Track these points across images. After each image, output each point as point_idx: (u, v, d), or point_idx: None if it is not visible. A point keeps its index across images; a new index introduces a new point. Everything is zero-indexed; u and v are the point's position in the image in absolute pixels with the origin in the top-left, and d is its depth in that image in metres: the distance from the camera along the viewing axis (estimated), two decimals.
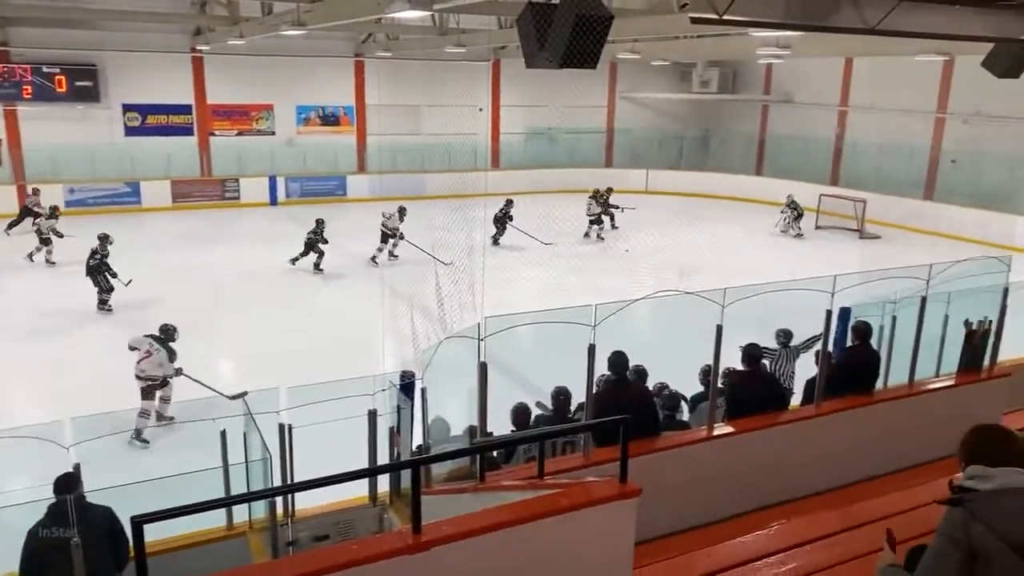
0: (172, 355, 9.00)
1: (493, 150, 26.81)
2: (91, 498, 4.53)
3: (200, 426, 5.06)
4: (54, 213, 16.69)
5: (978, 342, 7.50)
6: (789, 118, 26.72)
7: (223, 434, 5.25)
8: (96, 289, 13.06)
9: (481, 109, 25.63)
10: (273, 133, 24.30)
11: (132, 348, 8.96)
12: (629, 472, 3.93)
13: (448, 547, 3.46)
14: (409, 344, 9.30)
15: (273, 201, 23.45)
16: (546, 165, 26.60)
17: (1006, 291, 7.54)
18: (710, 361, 6.31)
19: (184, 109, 23.01)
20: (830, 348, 6.98)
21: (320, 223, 16.01)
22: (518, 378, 7.82)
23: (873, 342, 7.13)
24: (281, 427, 5.27)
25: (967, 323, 7.53)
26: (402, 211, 16.94)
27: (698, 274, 14.06)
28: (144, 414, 8.71)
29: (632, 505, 3.88)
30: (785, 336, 8.41)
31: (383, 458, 5.81)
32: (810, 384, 7.06)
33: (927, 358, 7.42)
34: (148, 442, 8.58)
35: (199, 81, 23.03)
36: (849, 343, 7.16)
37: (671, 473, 5.89)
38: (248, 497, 5.04)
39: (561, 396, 6.50)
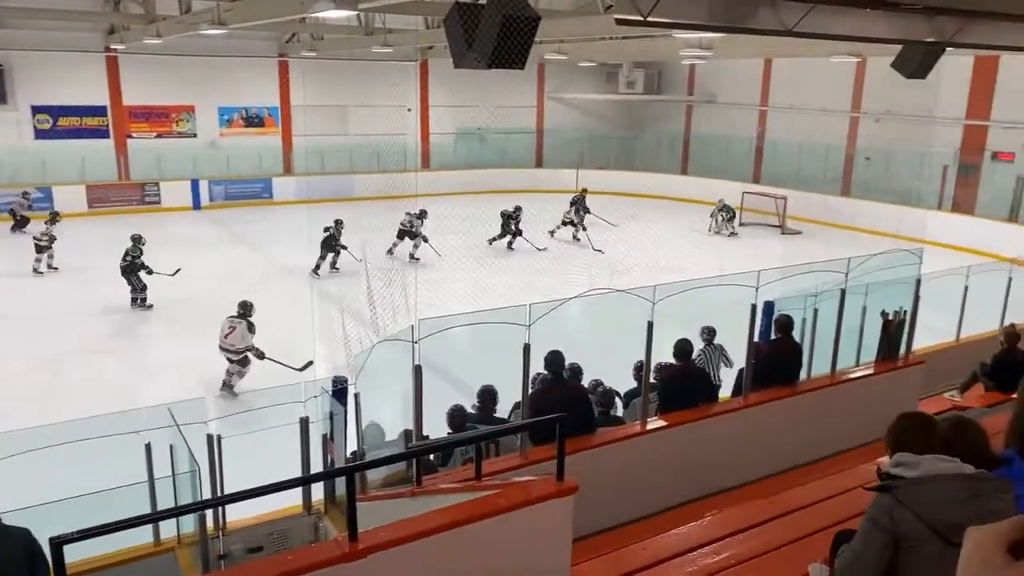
0: (251, 328, 10.11)
1: (423, 150, 26.66)
2: (8, 520, 4.31)
3: (125, 440, 4.86)
4: (55, 219, 16.39)
5: (894, 332, 7.84)
6: (712, 118, 27.41)
7: (148, 447, 5.06)
8: (129, 288, 13.45)
9: (410, 109, 25.45)
10: (195, 135, 23.58)
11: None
12: (566, 469, 3.96)
13: (386, 553, 3.42)
14: (341, 349, 9.17)
15: (196, 205, 22.77)
16: (477, 165, 26.59)
17: (918, 282, 7.90)
18: (643, 357, 6.42)
19: (99, 111, 22.11)
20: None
21: (339, 223, 15.84)
22: (454, 380, 7.79)
23: (795, 334, 7.37)
24: (209, 438, 5.11)
25: (884, 314, 7.86)
26: (423, 214, 16.92)
27: (629, 272, 14.27)
28: (232, 374, 9.87)
29: (569, 502, 3.91)
30: (709, 333, 8.60)
31: (317, 466, 5.71)
32: (738, 377, 7.25)
33: (847, 348, 7.71)
34: (237, 394, 9.53)
35: (114, 82, 22.17)
36: (773, 336, 7.38)
37: (607, 469, 5.96)
38: (175, 512, 4.87)
39: (487, 395, 6.50)
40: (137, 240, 13.74)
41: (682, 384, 6.80)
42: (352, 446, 5.61)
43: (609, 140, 28.88)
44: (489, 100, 24.19)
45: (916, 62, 8.00)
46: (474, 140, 27.40)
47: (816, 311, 7.43)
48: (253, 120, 24.53)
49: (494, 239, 18.05)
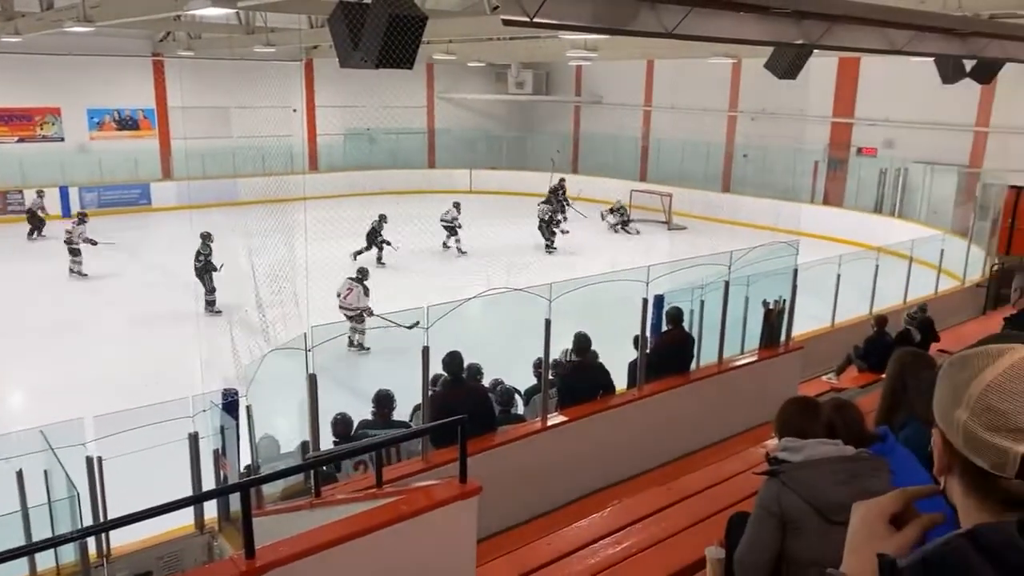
0: (367, 291, 11.37)
1: (310, 152, 26.01)
2: None
3: None
4: (83, 219, 15.70)
5: (775, 320, 8.26)
6: (600, 118, 28.05)
7: (19, 474, 4.71)
8: (203, 290, 13.23)
9: (295, 110, 24.77)
10: (62, 139, 22.15)
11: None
12: (469, 471, 3.95)
13: (285, 569, 3.31)
14: (230, 360, 8.83)
15: (66, 213, 21.35)
16: (367, 167, 26.18)
17: (796, 272, 8.34)
18: (541, 354, 6.49)
19: None
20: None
21: (383, 218, 16.35)
22: (352, 387, 7.63)
23: (685, 326, 7.63)
24: (89, 460, 4.81)
25: (765, 303, 8.27)
26: (457, 205, 18.44)
27: (525, 270, 14.40)
28: (355, 331, 10.93)
29: (473, 504, 3.89)
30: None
31: (209, 483, 5.47)
32: (632, 368, 7.44)
33: (733, 337, 8.06)
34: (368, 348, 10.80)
35: None
36: (664, 328, 7.62)
37: (510, 467, 5.99)
38: (52, 542, 4.54)
39: (383, 400, 6.40)
40: (206, 238, 13.36)
41: (581, 378, 6.92)
42: (246, 460, 5.41)
43: (500, 140, 29.06)
44: (378, 100, 23.84)
45: (787, 63, 8.43)
46: (364, 141, 26.96)
47: (703, 303, 7.72)
48: (127, 122, 23.26)
49: (358, 252, 16.60)
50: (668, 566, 4.20)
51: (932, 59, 9.75)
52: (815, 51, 8.05)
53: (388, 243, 16.70)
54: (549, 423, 6.47)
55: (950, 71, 10.17)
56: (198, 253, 13.30)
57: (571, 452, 6.43)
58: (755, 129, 23.81)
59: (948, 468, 1.05)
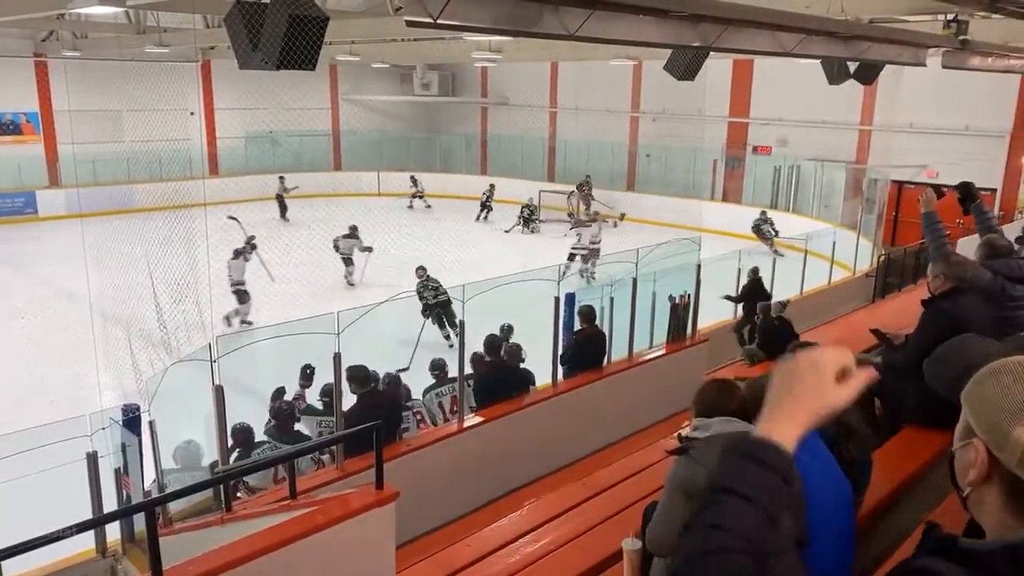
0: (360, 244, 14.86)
1: (210, 156, 25.10)
2: None
3: None
4: (354, 233, 15.85)
5: (681, 314, 8.51)
6: (507, 119, 28.21)
7: None
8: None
9: (192, 113, 23.86)
10: None
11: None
12: (385, 476, 3.91)
13: None
14: (130, 374, 8.44)
15: None
16: (271, 170, 25.44)
17: (699, 267, 8.63)
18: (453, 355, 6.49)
19: None
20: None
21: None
22: (262, 397, 7.42)
23: (597, 322, 7.78)
24: None
25: (671, 298, 8.51)
26: (492, 187, 22.51)
27: (438, 272, 14.32)
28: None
29: (390, 510, 3.86)
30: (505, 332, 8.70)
31: (111, 504, 5.21)
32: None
33: (641, 332, 8.27)
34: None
35: None
36: (578, 326, 7.74)
37: (427, 470, 5.96)
38: None
39: (284, 409, 6.24)
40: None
41: (494, 378, 6.95)
42: (151, 477, 5.19)
43: (408, 141, 28.83)
44: (279, 102, 23.25)
45: (684, 65, 8.70)
46: (266, 143, 26.24)
47: (612, 299, 7.89)
48: (8, 127, 21.89)
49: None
50: (586, 560, 4.26)
51: (819, 61, 10.26)
52: (711, 53, 8.34)
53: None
54: (465, 424, 6.47)
55: (835, 72, 10.72)
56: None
57: (489, 452, 6.45)
58: (657, 129, 24.47)
59: (986, 480, 1.00)
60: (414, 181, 24.63)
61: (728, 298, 11.05)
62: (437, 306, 11.37)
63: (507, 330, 7.93)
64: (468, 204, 24.95)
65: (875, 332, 4.57)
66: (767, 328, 8.98)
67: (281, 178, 21.44)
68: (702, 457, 2.69)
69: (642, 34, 6.97)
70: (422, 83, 27.94)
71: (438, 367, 7.19)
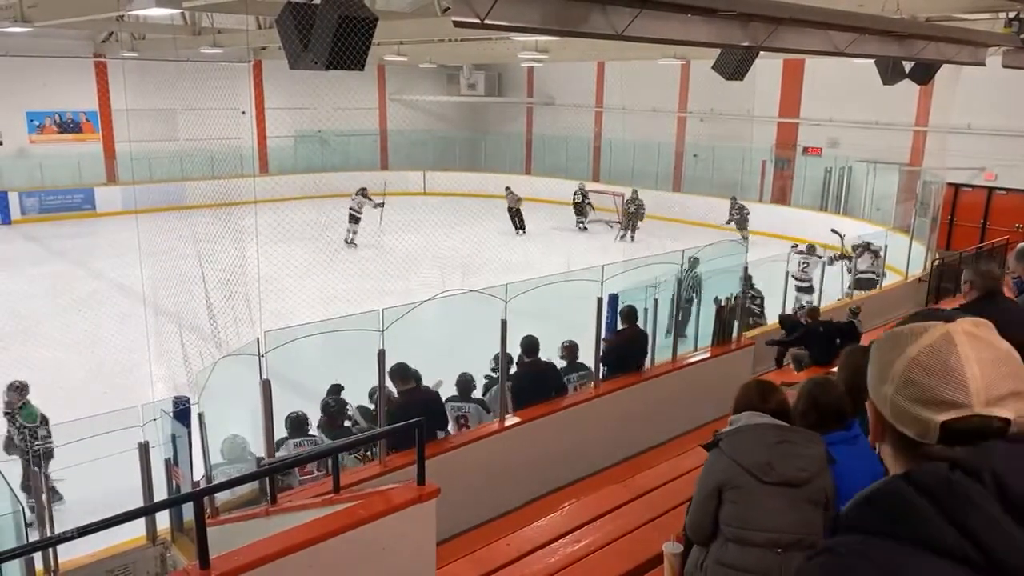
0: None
1: (260, 155, 25.59)
2: None
3: None
4: (364, 192, 19.04)
5: (726, 317, 8.40)
6: (552, 119, 28.17)
7: None
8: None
9: (244, 112, 24.35)
10: (0, 143, 21.42)
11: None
12: (427, 473, 3.94)
13: None
14: (181, 367, 8.65)
15: (6, 220, 20.70)
16: (319, 169, 25.84)
17: (746, 270, 8.51)
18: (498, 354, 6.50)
19: None
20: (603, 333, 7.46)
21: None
22: (307, 392, 7.55)
23: (640, 324, 7.72)
24: (35, 474, 4.67)
25: (716, 300, 8.41)
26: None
27: (480, 272, 14.39)
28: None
29: (431, 506, 3.89)
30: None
31: (161, 493, 5.35)
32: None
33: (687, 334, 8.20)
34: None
35: None
36: (620, 327, 7.70)
37: (468, 469, 5.99)
38: None
39: (332, 405, 6.33)
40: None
41: (532, 379, 6.94)
42: (200, 468, 5.31)
43: (454, 141, 28.99)
44: (329, 102, 23.57)
45: (733, 65, 8.59)
46: (315, 143, 26.65)
47: (656, 301, 7.82)
48: (69, 125, 22.60)
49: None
50: (627, 563, 4.24)
51: (873, 60, 10.04)
52: (761, 53, 8.22)
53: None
54: (506, 424, 6.49)
55: (890, 72, 10.47)
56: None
57: (529, 452, 6.46)
58: (704, 129, 24.19)
59: (881, 436, 1.15)
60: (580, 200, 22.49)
61: (774, 343, 9.11)
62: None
63: (530, 342, 7.64)
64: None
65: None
66: (814, 332, 8.82)
67: (507, 188, 21.00)
68: (727, 447, 2.80)
69: (690, 34, 6.89)
70: (468, 83, 28.07)
71: (462, 382, 7.05)
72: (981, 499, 0.95)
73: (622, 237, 20.89)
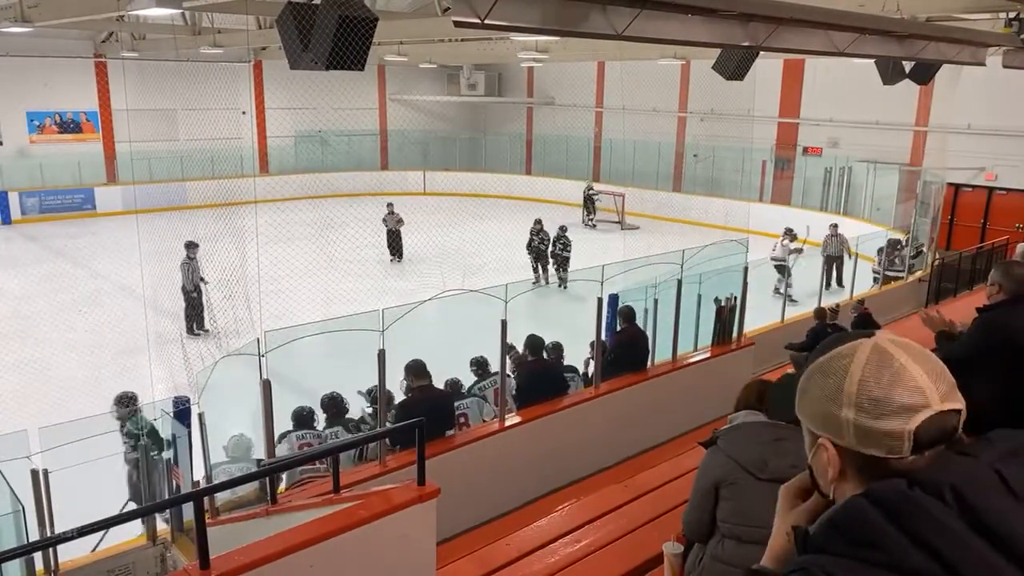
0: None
1: (260, 155, 25.59)
2: None
3: None
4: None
5: (727, 317, 8.40)
6: (552, 119, 28.18)
7: None
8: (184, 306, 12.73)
9: (244, 112, 24.36)
10: (0, 143, 21.43)
11: None
12: (427, 473, 3.94)
13: None
14: (181, 367, 8.64)
15: (6, 220, 20.71)
16: (319, 169, 25.85)
17: (746, 270, 8.50)
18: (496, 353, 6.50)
19: None
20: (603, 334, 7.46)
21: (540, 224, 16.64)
22: (307, 392, 7.55)
23: (640, 324, 7.72)
24: (34, 473, 4.67)
25: (716, 300, 8.40)
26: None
27: (480, 272, 14.39)
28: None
29: (431, 506, 3.89)
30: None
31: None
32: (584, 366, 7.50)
33: (686, 334, 8.19)
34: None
35: None
36: (619, 327, 7.70)
37: (469, 468, 5.99)
38: None
39: (333, 403, 6.33)
40: (190, 248, 12.64)
41: (535, 378, 6.94)
42: (200, 468, 5.31)
43: (454, 141, 29.00)
44: (329, 102, 23.58)
45: (734, 65, 8.60)
46: (315, 143, 26.65)
47: (656, 301, 7.82)
48: (69, 125, 22.60)
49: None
50: (627, 563, 4.24)
51: (873, 60, 10.04)
52: (761, 53, 8.22)
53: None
54: (507, 423, 6.49)
55: (890, 72, 10.48)
56: (184, 265, 12.46)
57: (529, 452, 6.46)
58: (704, 129, 24.19)
59: (842, 474, 1.10)
60: (590, 193, 22.67)
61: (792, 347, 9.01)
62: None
63: (533, 341, 7.72)
64: (514, 204, 24.98)
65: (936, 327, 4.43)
66: (820, 333, 8.82)
67: (389, 205, 17.92)
68: (723, 444, 2.83)
69: (690, 33, 6.89)
70: (468, 83, 28.07)
71: (479, 363, 7.23)
72: (943, 516, 0.94)
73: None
